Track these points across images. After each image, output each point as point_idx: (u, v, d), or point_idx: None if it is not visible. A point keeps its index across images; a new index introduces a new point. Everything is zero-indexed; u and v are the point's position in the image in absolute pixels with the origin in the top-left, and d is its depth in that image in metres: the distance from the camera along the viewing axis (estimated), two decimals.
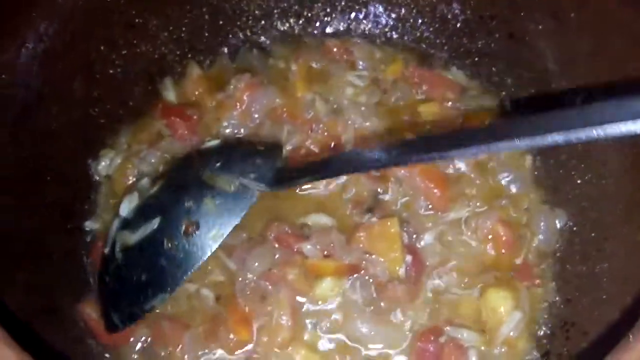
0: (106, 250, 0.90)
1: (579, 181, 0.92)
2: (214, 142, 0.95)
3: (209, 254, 0.86)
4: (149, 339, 0.88)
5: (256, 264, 0.89)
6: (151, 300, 0.85)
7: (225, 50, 1.10)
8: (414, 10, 1.09)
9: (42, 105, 0.88)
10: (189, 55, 1.07)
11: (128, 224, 0.90)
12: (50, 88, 0.89)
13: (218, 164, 0.89)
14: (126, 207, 0.91)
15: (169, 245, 0.86)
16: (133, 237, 0.88)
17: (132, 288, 0.87)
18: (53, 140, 0.90)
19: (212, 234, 0.86)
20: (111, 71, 0.99)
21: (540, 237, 0.93)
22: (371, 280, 0.89)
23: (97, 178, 0.98)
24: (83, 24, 0.91)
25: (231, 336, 0.86)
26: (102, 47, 0.96)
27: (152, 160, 0.96)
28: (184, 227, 0.86)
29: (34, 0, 0.85)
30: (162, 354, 0.87)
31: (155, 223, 0.87)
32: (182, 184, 0.89)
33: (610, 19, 0.84)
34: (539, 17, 0.94)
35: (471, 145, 0.66)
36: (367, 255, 0.89)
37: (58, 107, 0.91)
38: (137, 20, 0.99)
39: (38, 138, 0.88)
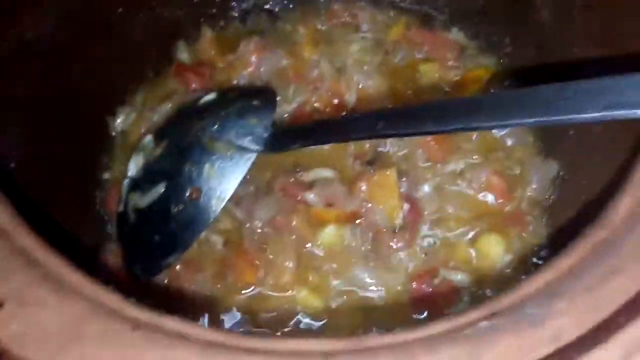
0: (120, 208, 0.97)
1: (571, 132, 0.95)
2: (211, 96, 1.00)
3: (213, 217, 0.91)
4: (166, 281, 0.95)
5: (262, 212, 0.94)
6: (166, 258, 0.91)
7: (236, 14, 1.16)
8: None
9: (64, 62, 0.94)
10: (202, 20, 1.13)
11: (137, 186, 0.96)
12: (72, 46, 0.94)
13: (216, 127, 0.94)
14: (133, 167, 0.98)
15: (176, 209, 0.92)
16: (143, 200, 0.95)
17: (147, 247, 0.93)
18: (74, 95, 0.96)
19: (215, 198, 0.92)
20: (129, 33, 1.04)
21: (533, 186, 0.97)
22: (371, 227, 0.94)
23: (114, 133, 1.05)
24: None
25: (239, 277, 0.92)
26: (120, 10, 1.02)
27: (165, 112, 1.02)
28: (188, 193, 0.92)
29: None
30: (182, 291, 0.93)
31: (161, 188, 0.94)
32: (183, 148, 0.95)
33: None
34: None
35: (470, 120, 0.66)
36: (367, 204, 0.94)
37: (80, 65, 0.96)
38: None
39: (60, 94, 0.94)
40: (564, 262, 0.53)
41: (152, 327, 0.45)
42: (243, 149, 0.92)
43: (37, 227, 0.56)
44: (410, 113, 0.73)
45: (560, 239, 0.92)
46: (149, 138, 0.99)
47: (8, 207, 0.55)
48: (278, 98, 1.04)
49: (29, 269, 0.48)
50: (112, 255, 0.95)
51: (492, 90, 1.06)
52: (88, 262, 0.90)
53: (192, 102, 1.01)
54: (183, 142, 0.95)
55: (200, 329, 0.46)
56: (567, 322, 0.48)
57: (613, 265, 0.51)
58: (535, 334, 0.48)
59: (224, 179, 0.92)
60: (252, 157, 0.92)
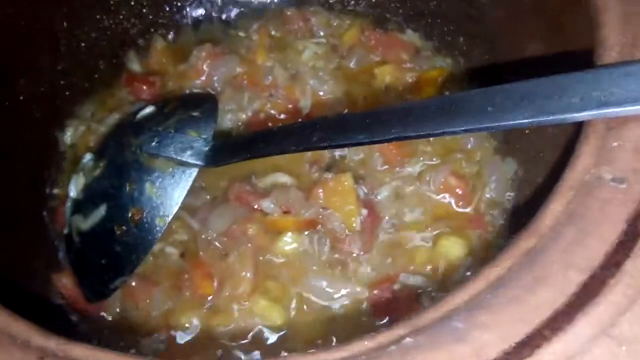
0: (65, 231, 0.94)
1: (527, 130, 0.94)
2: (148, 110, 0.96)
3: (158, 237, 0.89)
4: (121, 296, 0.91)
5: (218, 222, 0.92)
6: (113, 281, 0.88)
7: (188, 23, 1.14)
8: None
9: (9, 78, 0.92)
10: (152, 30, 1.11)
11: (79, 207, 0.93)
12: (17, 62, 0.92)
13: (154, 143, 0.90)
14: (74, 188, 0.95)
15: (119, 232, 0.89)
16: (86, 223, 0.92)
17: (94, 270, 0.91)
18: (20, 111, 0.94)
19: (158, 217, 0.89)
20: (76, 45, 1.02)
21: (492, 186, 0.96)
22: (329, 234, 0.92)
23: (63, 148, 1.02)
24: (46, 2, 0.95)
25: (195, 289, 0.89)
26: (65, 23, 0.99)
27: (112, 123, 1.00)
28: (130, 214, 0.89)
29: None
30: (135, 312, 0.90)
31: (102, 210, 0.91)
32: (122, 167, 0.92)
33: None
34: None
35: (400, 130, 0.62)
36: (325, 210, 0.92)
37: (25, 80, 0.94)
38: None
39: (5, 109, 0.91)
40: (493, 272, 0.51)
41: (61, 356, 0.42)
42: (183, 164, 0.89)
43: None
44: (344, 123, 0.70)
45: None
46: (88, 157, 0.96)
47: None
48: (232, 106, 1.03)
49: None
50: (65, 278, 0.92)
51: (446, 93, 1.04)
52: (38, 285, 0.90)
53: (129, 117, 0.98)
54: (121, 161, 0.92)
55: (113, 355, 0.44)
56: (491, 337, 0.46)
57: (539, 275, 0.49)
58: (457, 350, 0.46)
59: (166, 197, 0.89)
60: (194, 172, 0.89)
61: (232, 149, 0.83)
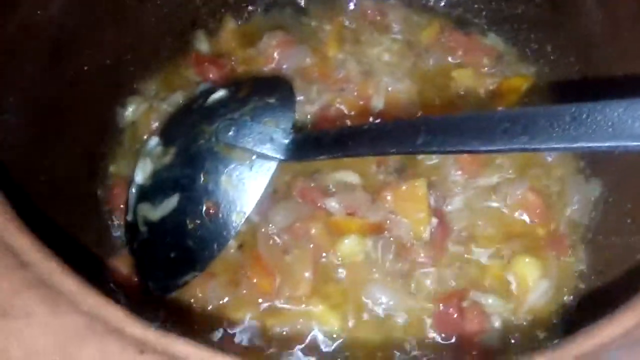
0: (129, 218, 0.89)
1: (616, 152, 0.88)
2: (220, 94, 0.91)
3: (233, 233, 0.84)
4: None
5: (279, 217, 0.87)
6: (182, 277, 0.84)
7: (260, 6, 1.09)
8: None
9: (74, 46, 0.88)
10: (222, 10, 1.06)
11: (146, 195, 0.88)
12: (83, 31, 0.88)
13: (231, 132, 0.84)
14: (140, 174, 0.90)
15: (192, 225, 0.84)
16: (155, 214, 0.87)
17: (162, 263, 0.86)
18: (83, 82, 0.90)
19: (234, 212, 0.84)
20: (144, 19, 0.98)
21: (574, 207, 0.90)
22: (395, 241, 0.87)
23: (122, 124, 0.98)
24: None
25: (253, 285, 0.85)
26: None
27: (176, 102, 0.95)
28: (204, 208, 0.84)
29: None
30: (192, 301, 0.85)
31: (174, 200, 0.86)
32: (195, 155, 0.87)
33: None
34: None
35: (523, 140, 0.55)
36: (392, 215, 0.87)
37: (90, 50, 0.90)
38: None
39: (68, 78, 0.87)
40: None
41: (160, 351, 0.38)
42: (262, 157, 0.83)
43: (32, 224, 0.48)
44: (455, 126, 0.61)
45: (602, 268, 0.85)
46: (155, 141, 0.91)
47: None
48: (300, 98, 0.98)
49: (17, 273, 0.40)
50: (121, 261, 0.88)
51: (528, 103, 0.98)
52: (90, 267, 0.86)
53: (199, 100, 0.92)
54: (194, 149, 0.87)
55: (209, 352, 0.39)
56: None
57: None
58: None
59: (243, 191, 0.84)
60: (273, 165, 0.84)
61: (317, 144, 0.77)
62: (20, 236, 0.43)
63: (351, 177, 0.92)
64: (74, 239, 0.81)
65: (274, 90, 0.88)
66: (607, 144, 0.50)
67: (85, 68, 0.90)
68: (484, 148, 0.57)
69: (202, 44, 1.04)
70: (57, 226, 0.79)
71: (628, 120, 0.49)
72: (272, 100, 0.87)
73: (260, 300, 0.84)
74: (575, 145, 0.52)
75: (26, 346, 0.36)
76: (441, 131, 0.60)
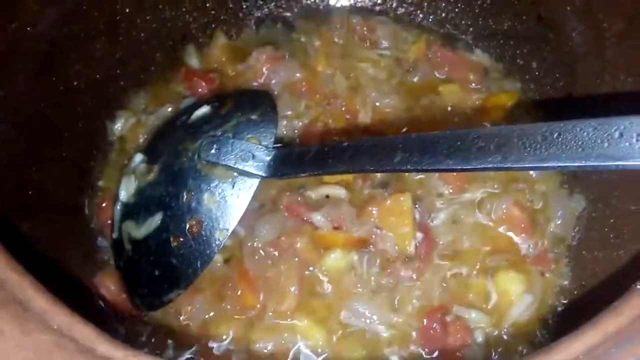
0: (114, 235, 0.90)
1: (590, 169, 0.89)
2: (203, 110, 0.91)
3: (217, 251, 0.84)
4: None
5: (264, 231, 0.88)
6: (167, 294, 0.84)
7: (250, 22, 1.10)
8: None
9: (64, 61, 0.89)
10: (213, 25, 1.08)
11: (131, 213, 0.89)
12: (74, 46, 0.90)
13: (213, 150, 0.84)
14: (124, 191, 0.91)
15: (176, 243, 0.85)
16: (139, 232, 0.87)
17: (147, 280, 0.86)
18: (73, 96, 0.91)
19: (217, 230, 0.84)
20: (135, 34, 0.99)
21: (557, 222, 0.90)
22: (380, 255, 0.88)
23: (111, 138, 0.99)
24: None
25: (238, 299, 0.85)
26: (127, 10, 0.96)
27: (164, 116, 0.96)
28: (187, 226, 0.85)
29: None
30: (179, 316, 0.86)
31: (158, 218, 0.86)
32: (179, 173, 0.87)
33: None
34: None
35: (500, 160, 0.55)
36: (377, 229, 0.88)
37: (80, 65, 0.92)
38: None
39: (58, 92, 0.89)
40: (612, 321, 0.45)
41: None
42: (244, 174, 0.84)
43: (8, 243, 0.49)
44: (431, 145, 0.62)
45: (585, 282, 0.85)
46: (139, 158, 0.92)
47: None
48: (288, 112, 0.99)
49: None
50: (109, 276, 0.89)
51: (515, 119, 0.99)
52: (76, 284, 0.86)
53: (183, 116, 0.93)
54: (177, 166, 0.87)
55: None
56: None
57: None
58: None
59: (226, 209, 0.84)
60: (256, 182, 0.84)
61: (298, 161, 0.78)
62: None
63: (337, 191, 0.93)
64: (59, 256, 0.81)
65: (256, 105, 0.89)
66: (576, 164, 0.51)
67: (75, 83, 0.92)
68: (458, 167, 0.58)
69: (192, 59, 1.06)
70: (42, 242, 0.80)
71: (597, 139, 0.50)
72: (254, 117, 0.87)
73: (245, 315, 0.85)
74: (546, 164, 0.52)
75: None
76: (417, 150, 0.61)
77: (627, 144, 0.49)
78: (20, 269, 0.43)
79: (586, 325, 0.46)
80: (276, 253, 0.87)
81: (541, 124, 0.53)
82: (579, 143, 0.51)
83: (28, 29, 0.83)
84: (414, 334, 0.84)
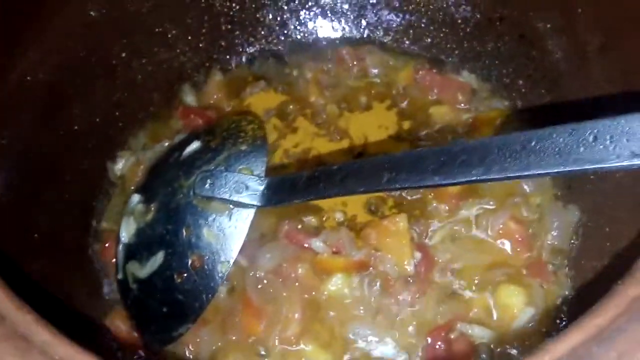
0: (119, 276, 0.92)
1: (592, 177, 0.90)
2: (194, 146, 0.94)
3: (220, 282, 0.86)
4: None
5: (266, 259, 0.89)
6: (177, 329, 0.85)
7: (243, 58, 1.14)
8: (425, 17, 1.10)
9: (64, 106, 0.92)
10: (207, 64, 1.11)
11: (133, 254, 0.91)
12: (73, 90, 0.93)
13: (207, 185, 0.86)
14: (125, 233, 0.93)
15: (180, 279, 0.86)
16: (143, 271, 0.89)
17: (155, 318, 0.88)
18: (74, 139, 0.94)
19: (219, 263, 0.85)
20: (132, 77, 1.03)
21: (554, 233, 0.91)
22: (380, 276, 0.89)
23: (113, 178, 1.01)
24: (106, 31, 0.96)
25: (243, 329, 0.86)
26: (123, 54, 1.00)
27: (161, 151, 0.99)
28: (190, 261, 0.86)
29: (59, 7, 0.89)
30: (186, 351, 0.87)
31: (160, 257, 0.88)
32: (176, 211, 0.89)
33: (621, 11, 0.84)
34: (547, 15, 0.94)
35: (484, 171, 0.57)
36: (376, 252, 0.89)
37: (80, 109, 0.95)
38: (157, 30, 1.04)
39: (60, 137, 0.92)
40: (593, 321, 0.47)
41: None
42: (240, 206, 0.85)
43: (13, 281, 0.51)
44: (416, 162, 0.63)
45: (585, 291, 0.86)
46: (136, 199, 0.94)
47: None
48: (282, 141, 1.02)
49: None
50: (118, 315, 0.90)
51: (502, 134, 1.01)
52: (84, 326, 0.87)
53: (175, 153, 0.95)
54: (174, 204, 0.89)
55: None
56: None
57: None
58: None
59: (225, 241, 0.86)
60: (252, 212, 0.86)
61: (290, 188, 0.79)
62: None
63: (336, 215, 0.95)
64: (66, 296, 0.83)
65: (245, 133, 0.91)
66: (555, 170, 0.52)
67: (76, 127, 0.95)
68: (445, 182, 0.59)
69: (189, 97, 1.09)
70: (50, 283, 0.81)
71: (573, 145, 0.52)
72: (244, 147, 0.89)
73: (250, 342, 0.85)
74: (527, 173, 0.54)
75: None
76: (404, 168, 0.62)
77: (601, 146, 0.50)
78: (22, 305, 0.45)
79: (570, 327, 0.47)
80: (278, 280, 0.88)
81: (519, 133, 0.55)
82: (556, 150, 0.53)
83: (28, 77, 0.86)
84: (419, 352, 0.85)
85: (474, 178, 0.57)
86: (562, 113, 0.96)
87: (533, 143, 0.54)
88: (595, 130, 0.51)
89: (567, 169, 0.52)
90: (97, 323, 0.90)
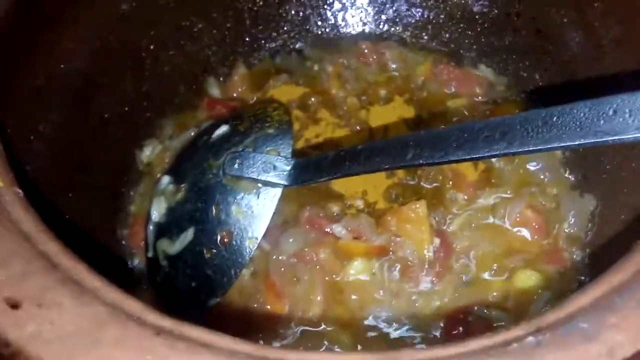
0: (149, 254, 0.95)
1: (608, 166, 0.92)
2: (223, 129, 0.96)
3: (248, 258, 0.89)
4: None
5: (289, 244, 0.92)
6: (205, 303, 0.88)
7: (267, 52, 1.18)
8: (443, 13, 1.14)
9: (96, 95, 0.96)
10: (231, 58, 1.15)
11: (164, 231, 0.94)
12: (104, 80, 0.97)
13: (236, 165, 0.90)
14: (156, 212, 0.96)
15: (209, 255, 0.89)
16: (174, 248, 0.92)
17: (184, 293, 0.90)
18: (104, 128, 0.98)
19: (247, 239, 0.89)
20: (159, 69, 1.06)
21: (570, 221, 0.93)
22: (400, 261, 0.91)
23: (140, 166, 1.04)
24: (135, 24, 1.00)
25: (266, 309, 0.89)
26: (151, 47, 1.04)
27: (187, 139, 1.02)
28: (219, 237, 0.89)
29: (93, 1, 0.94)
30: None
31: (190, 234, 0.91)
32: (205, 190, 0.92)
33: (637, 3, 0.86)
34: (563, 9, 0.97)
35: (503, 146, 0.60)
36: (396, 237, 0.92)
37: (110, 98, 0.98)
38: (184, 23, 1.08)
39: (90, 124, 0.95)
40: (615, 277, 0.49)
41: (176, 334, 0.42)
42: (267, 184, 0.89)
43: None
44: (440, 139, 0.67)
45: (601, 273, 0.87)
46: (166, 179, 0.97)
47: (33, 215, 0.54)
48: (305, 131, 1.05)
49: (48, 272, 0.45)
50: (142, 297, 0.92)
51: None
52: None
53: (204, 137, 0.98)
54: (204, 184, 0.93)
55: (226, 339, 0.44)
56: (622, 337, 0.44)
57: None
58: (588, 350, 0.44)
59: (253, 218, 0.89)
60: (279, 191, 0.89)
61: (316, 167, 0.82)
62: (51, 243, 0.49)
63: (356, 202, 0.98)
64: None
65: (271, 118, 0.94)
66: (577, 142, 0.55)
67: (106, 115, 0.98)
68: (468, 157, 0.62)
69: (214, 89, 1.13)
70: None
71: (594, 118, 0.54)
72: (271, 131, 0.93)
73: (274, 324, 0.88)
74: (549, 146, 0.57)
75: (58, 329, 0.41)
76: (428, 144, 0.65)
77: (620, 119, 0.53)
78: (74, 256, 0.48)
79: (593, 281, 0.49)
80: (300, 264, 0.91)
81: (541, 110, 0.58)
82: (577, 123, 0.55)
83: (62, 65, 0.90)
84: (437, 335, 0.87)
85: (497, 152, 0.59)
86: None
87: (555, 118, 0.56)
88: (615, 105, 0.53)
89: (588, 141, 0.54)
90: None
